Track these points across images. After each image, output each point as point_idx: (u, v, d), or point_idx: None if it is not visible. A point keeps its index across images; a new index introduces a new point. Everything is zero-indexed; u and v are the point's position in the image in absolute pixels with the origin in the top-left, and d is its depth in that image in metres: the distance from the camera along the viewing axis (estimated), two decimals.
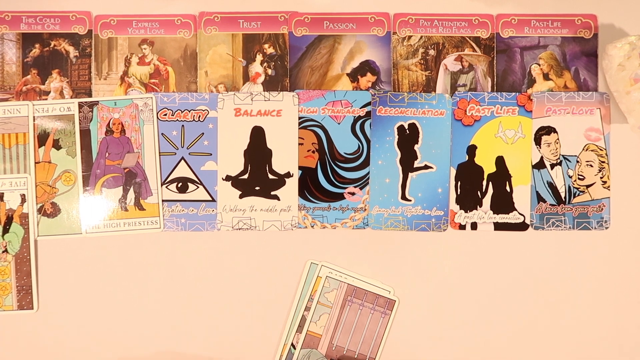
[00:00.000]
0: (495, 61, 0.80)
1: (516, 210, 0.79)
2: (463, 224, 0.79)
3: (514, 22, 0.80)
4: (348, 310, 0.78)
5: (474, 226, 0.79)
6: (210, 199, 0.79)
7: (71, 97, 0.79)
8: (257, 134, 0.79)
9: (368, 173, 0.79)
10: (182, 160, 0.79)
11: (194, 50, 0.80)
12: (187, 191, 0.79)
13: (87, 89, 0.79)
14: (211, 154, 0.79)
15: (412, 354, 0.79)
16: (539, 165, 0.79)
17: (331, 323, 0.78)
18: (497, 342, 0.79)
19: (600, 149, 0.79)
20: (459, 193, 0.79)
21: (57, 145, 0.78)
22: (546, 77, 0.80)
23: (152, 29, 0.80)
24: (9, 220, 0.77)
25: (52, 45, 0.79)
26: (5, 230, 0.77)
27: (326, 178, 0.79)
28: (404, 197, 0.79)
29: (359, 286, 0.78)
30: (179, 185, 0.79)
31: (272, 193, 0.79)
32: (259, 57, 0.80)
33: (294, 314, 0.78)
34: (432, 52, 0.80)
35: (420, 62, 0.80)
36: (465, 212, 0.79)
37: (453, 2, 0.80)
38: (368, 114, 0.79)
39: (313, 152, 0.79)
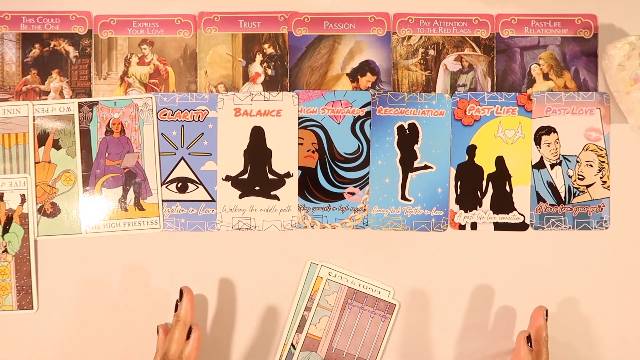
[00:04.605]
0: (495, 61, 0.80)
1: (516, 210, 0.79)
2: (463, 224, 0.79)
3: (514, 22, 0.80)
4: (348, 313, 0.78)
5: (473, 226, 0.79)
6: (210, 199, 0.79)
7: (71, 97, 0.79)
8: (257, 134, 0.79)
9: (368, 173, 0.79)
10: (182, 160, 0.79)
11: (193, 50, 0.80)
12: (187, 191, 0.79)
13: (87, 89, 0.79)
14: (211, 154, 0.79)
15: (411, 354, 0.79)
16: (539, 165, 0.79)
17: (331, 326, 0.78)
18: (496, 342, 0.79)
19: (600, 149, 0.79)
20: (458, 193, 0.79)
21: (57, 145, 0.78)
22: (546, 77, 0.80)
23: (152, 29, 0.80)
24: (8, 220, 0.77)
25: (52, 45, 0.79)
26: (5, 230, 0.77)
27: (326, 178, 0.79)
28: (403, 197, 0.79)
29: (359, 287, 0.78)
30: (179, 185, 0.79)
31: (272, 193, 0.79)
32: (259, 57, 0.80)
33: (294, 314, 0.78)
34: (432, 52, 0.80)
35: (420, 62, 0.80)
36: (465, 212, 0.79)
37: (453, 2, 0.80)
38: (368, 114, 0.79)
39: (313, 152, 0.79)
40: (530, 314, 0.73)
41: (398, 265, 0.79)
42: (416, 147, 0.79)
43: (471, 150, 0.79)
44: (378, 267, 0.79)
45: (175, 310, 0.70)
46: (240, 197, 0.79)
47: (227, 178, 0.79)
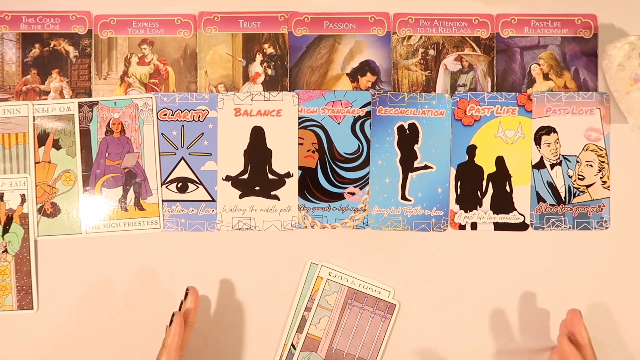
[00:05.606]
0: (495, 61, 0.80)
1: (516, 210, 0.79)
2: (463, 224, 0.79)
3: (514, 22, 0.80)
4: (348, 313, 0.78)
5: (473, 226, 0.79)
6: (210, 199, 0.79)
7: (71, 97, 0.79)
8: (257, 134, 0.79)
9: (368, 173, 0.79)
10: (182, 160, 0.79)
11: (193, 50, 0.80)
12: (187, 191, 0.79)
13: (87, 89, 0.79)
14: (211, 154, 0.79)
15: (411, 354, 0.79)
16: (539, 165, 0.79)
17: (331, 326, 0.78)
18: (497, 342, 0.79)
19: (600, 149, 0.79)
20: (459, 193, 0.79)
21: (57, 145, 0.78)
22: (546, 77, 0.80)
23: (152, 29, 0.80)
24: (9, 220, 0.77)
25: (52, 45, 0.79)
26: (5, 230, 0.77)
27: (326, 178, 0.79)
28: (403, 197, 0.79)
29: (359, 287, 0.78)
30: (179, 185, 0.79)
31: (272, 193, 0.79)
32: (259, 57, 0.80)
33: (294, 314, 0.78)
34: (432, 52, 0.80)
35: (420, 62, 0.80)
36: (465, 212, 0.79)
37: (453, 2, 0.80)
38: (368, 114, 0.79)
39: (313, 152, 0.79)
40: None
41: (398, 265, 0.79)
42: (416, 147, 0.79)
43: (471, 150, 0.79)
44: (378, 267, 0.79)
45: (179, 309, 0.70)
46: (241, 197, 0.79)
47: (227, 178, 0.79)
